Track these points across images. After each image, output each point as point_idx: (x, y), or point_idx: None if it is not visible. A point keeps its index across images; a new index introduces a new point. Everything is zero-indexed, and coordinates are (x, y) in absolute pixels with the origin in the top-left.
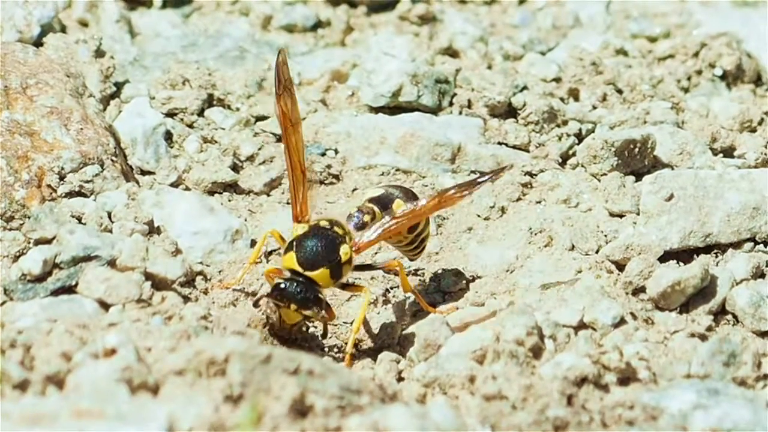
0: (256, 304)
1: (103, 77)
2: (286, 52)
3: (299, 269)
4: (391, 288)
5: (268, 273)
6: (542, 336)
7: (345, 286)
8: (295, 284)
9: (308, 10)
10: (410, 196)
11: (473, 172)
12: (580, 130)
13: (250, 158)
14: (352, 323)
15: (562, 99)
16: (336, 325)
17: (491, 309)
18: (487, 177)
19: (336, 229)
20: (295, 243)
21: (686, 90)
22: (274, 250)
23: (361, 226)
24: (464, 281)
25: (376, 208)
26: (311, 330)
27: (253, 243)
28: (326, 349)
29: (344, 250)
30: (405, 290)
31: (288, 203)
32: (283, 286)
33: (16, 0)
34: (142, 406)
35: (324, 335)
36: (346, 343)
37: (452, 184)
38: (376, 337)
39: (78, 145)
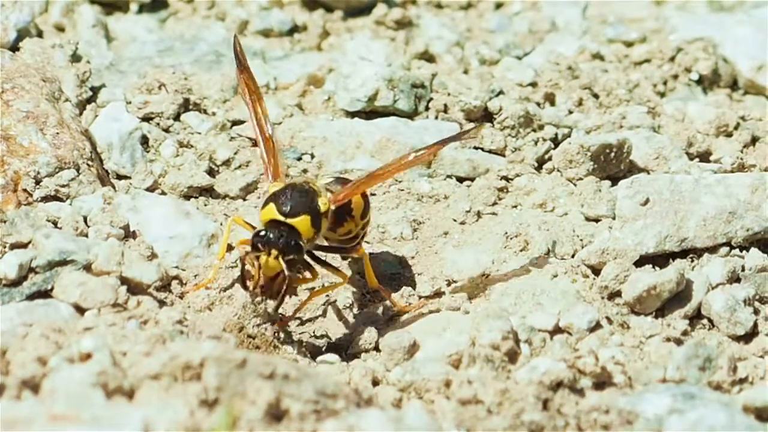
0: (242, 277)
1: (79, 82)
2: (238, 37)
3: (280, 218)
4: (368, 292)
5: (241, 243)
6: (518, 340)
7: (326, 266)
8: (276, 230)
9: (284, 15)
10: None
11: (449, 176)
12: (556, 134)
13: (226, 162)
14: (317, 319)
15: (538, 103)
16: (303, 322)
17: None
18: (457, 135)
19: (311, 185)
20: (273, 196)
21: (662, 94)
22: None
23: None
24: (440, 286)
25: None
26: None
27: (230, 248)
28: (302, 353)
29: (323, 201)
30: (370, 285)
31: None
32: (263, 233)
33: None
34: (118, 411)
35: (277, 306)
36: (323, 346)
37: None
38: (352, 341)
39: (54, 150)
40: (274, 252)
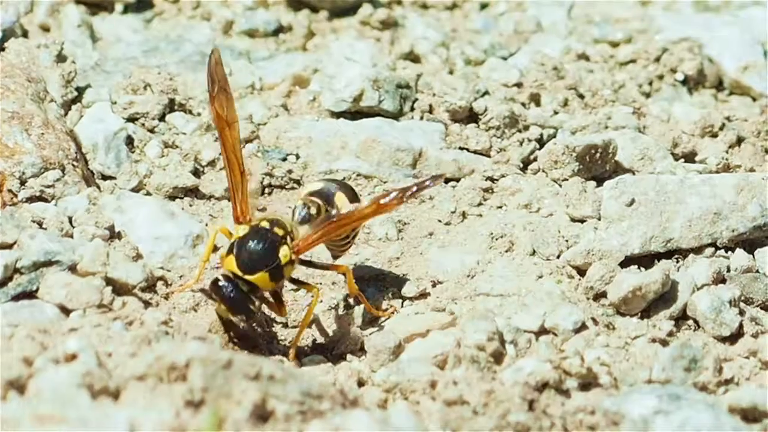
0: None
1: (64, 82)
2: (219, 51)
3: (239, 273)
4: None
5: (222, 257)
6: (503, 341)
7: (295, 282)
8: (230, 286)
9: (270, 15)
10: (348, 190)
11: None
12: (541, 135)
13: (211, 163)
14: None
15: (523, 104)
16: (287, 325)
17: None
18: (425, 184)
19: (276, 230)
20: (235, 245)
21: (648, 95)
22: None
23: (308, 220)
24: (425, 287)
25: (319, 201)
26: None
27: (215, 249)
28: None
29: (284, 253)
30: (351, 293)
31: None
32: (220, 284)
33: None
34: (103, 412)
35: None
36: (307, 347)
37: (390, 189)
38: (337, 342)
39: (39, 150)
40: (222, 307)
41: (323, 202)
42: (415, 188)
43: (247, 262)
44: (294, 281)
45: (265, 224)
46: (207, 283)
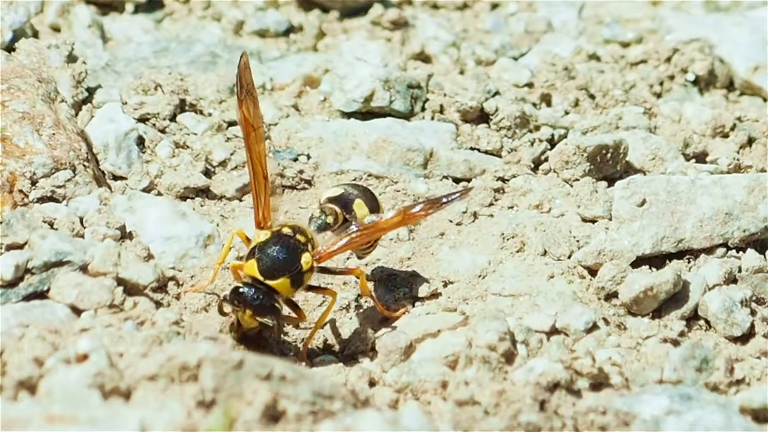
0: (220, 309)
1: (75, 82)
2: (248, 55)
3: (260, 278)
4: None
5: (234, 267)
6: (515, 341)
7: (313, 288)
8: (253, 290)
9: (280, 15)
10: (368, 195)
11: (445, 177)
12: (552, 135)
13: (222, 163)
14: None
15: (534, 104)
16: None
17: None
18: (453, 197)
19: (298, 236)
20: (257, 250)
21: (659, 95)
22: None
23: (324, 228)
24: (436, 287)
25: (337, 209)
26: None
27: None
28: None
29: (305, 260)
30: (363, 294)
31: None
32: (241, 290)
33: None
34: (114, 412)
35: (278, 337)
36: (319, 348)
37: (420, 198)
38: (348, 342)
39: (50, 151)
40: (249, 312)
41: (341, 208)
42: (443, 200)
43: (269, 268)
44: (311, 287)
45: (287, 230)
46: (226, 292)
